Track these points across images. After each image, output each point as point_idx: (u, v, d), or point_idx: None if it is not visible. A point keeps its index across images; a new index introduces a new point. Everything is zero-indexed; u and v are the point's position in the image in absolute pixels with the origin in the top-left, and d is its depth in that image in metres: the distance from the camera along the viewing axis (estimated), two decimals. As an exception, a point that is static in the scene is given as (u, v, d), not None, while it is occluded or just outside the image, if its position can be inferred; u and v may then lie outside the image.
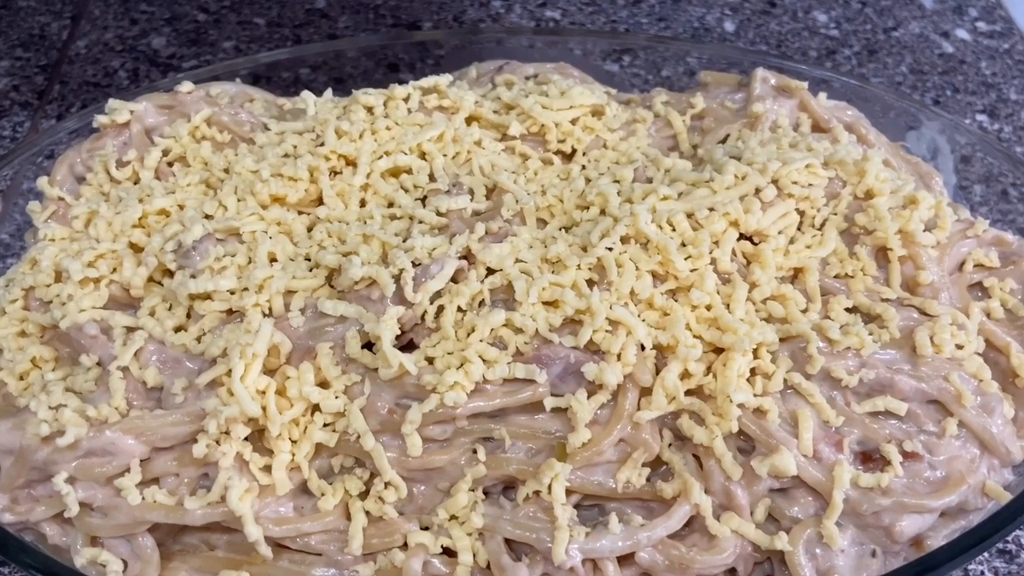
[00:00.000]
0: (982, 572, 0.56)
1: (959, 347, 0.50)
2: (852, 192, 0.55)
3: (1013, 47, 0.93)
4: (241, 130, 0.59)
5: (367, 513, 0.46)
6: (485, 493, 0.47)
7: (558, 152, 0.59)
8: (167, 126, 0.59)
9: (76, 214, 0.55)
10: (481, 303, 0.48)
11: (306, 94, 0.60)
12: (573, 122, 0.59)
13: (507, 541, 0.45)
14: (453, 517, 0.46)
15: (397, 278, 0.47)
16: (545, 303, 0.48)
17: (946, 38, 0.94)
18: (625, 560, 0.46)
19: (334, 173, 0.55)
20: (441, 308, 0.48)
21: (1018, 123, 0.85)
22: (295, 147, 0.56)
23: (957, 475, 0.47)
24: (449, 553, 0.46)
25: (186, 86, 0.61)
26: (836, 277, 0.53)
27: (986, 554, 0.57)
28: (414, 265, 0.48)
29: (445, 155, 0.56)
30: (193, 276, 0.49)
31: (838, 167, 0.56)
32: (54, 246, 0.52)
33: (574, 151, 0.59)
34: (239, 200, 0.53)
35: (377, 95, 0.59)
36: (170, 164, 0.58)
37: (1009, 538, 0.58)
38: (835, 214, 0.55)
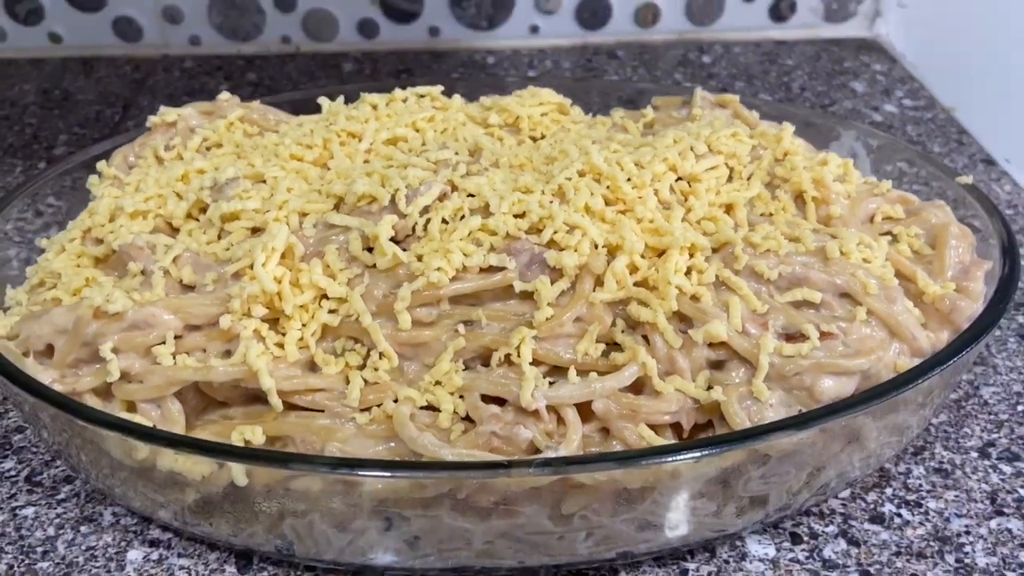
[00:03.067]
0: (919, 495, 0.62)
1: (866, 260, 0.60)
2: (772, 155, 0.66)
3: (935, 116, 1.08)
4: (268, 124, 0.71)
5: (364, 381, 0.54)
6: (465, 367, 0.55)
7: (530, 138, 0.71)
8: (207, 124, 0.72)
9: (128, 181, 0.66)
10: (462, 217, 0.58)
11: (321, 99, 0.73)
12: (543, 115, 0.72)
13: (483, 399, 0.53)
14: (437, 383, 0.54)
15: (393, 197, 0.58)
16: (514, 216, 0.58)
17: (876, 111, 1.09)
18: (584, 416, 0.53)
19: (342, 145, 0.67)
20: (429, 221, 0.58)
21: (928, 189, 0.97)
22: (312, 130, 0.68)
23: (868, 349, 0.55)
24: (434, 411, 0.53)
25: (224, 95, 0.74)
26: (761, 215, 0.64)
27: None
28: (407, 188, 0.59)
29: (435, 131, 0.68)
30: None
31: (760, 137, 0.67)
32: (110, 199, 0.63)
33: (543, 136, 0.71)
34: (265, 160, 0.65)
35: (380, 96, 0.72)
36: (208, 148, 0.70)
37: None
38: (759, 170, 0.66)
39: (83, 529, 0.59)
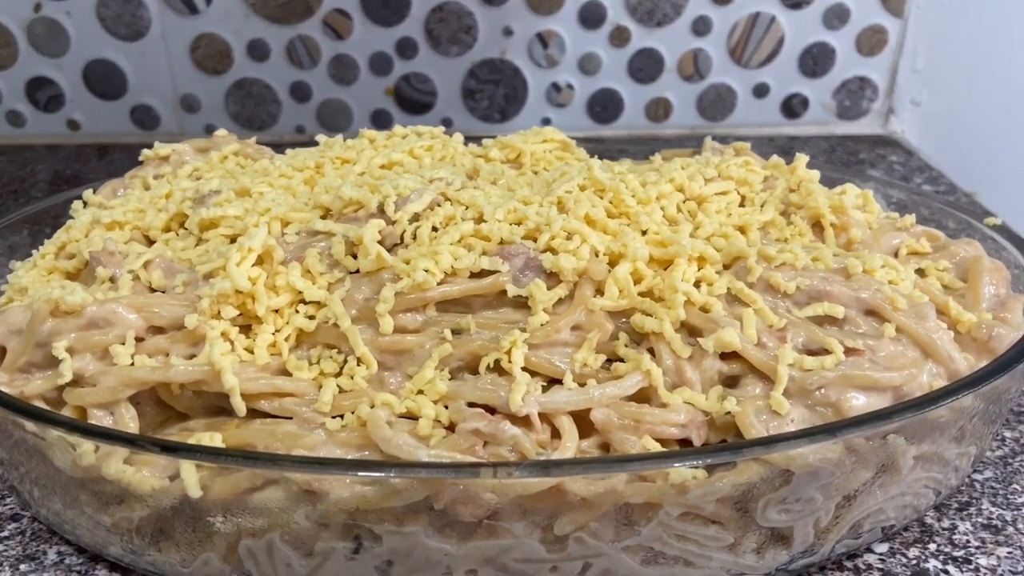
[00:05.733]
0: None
1: (892, 283, 0.55)
2: (786, 184, 0.63)
3: (957, 199, 1.04)
4: (263, 157, 0.69)
5: (339, 387, 0.49)
6: (451, 377, 0.50)
7: (532, 172, 0.68)
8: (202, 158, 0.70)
9: (112, 205, 0.63)
10: (455, 225, 0.55)
11: (319, 136, 0.71)
12: (547, 152, 0.69)
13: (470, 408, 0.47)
14: (419, 392, 0.48)
15: (382, 205, 0.55)
16: (510, 223, 0.54)
17: (890, 187, 1.06)
18: (583, 432, 0.47)
19: (335, 169, 0.64)
20: (419, 229, 0.54)
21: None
22: (304, 160, 0.66)
23: (900, 365, 0.50)
24: (414, 420, 0.48)
25: (221, 131, 0.72)
26: (776, 240, 0.59)
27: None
28: (397, 196, 0.55)
29: (433, 157, 0.65)
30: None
31: (773, 168, 0.64)
32: (88, 215, 0.61)
33: (546, 170, 0.68)
34: (253, 180, 0.62)
35: (380, 132, 0.70)
36: (198, 179, 0.67)
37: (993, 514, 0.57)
38: (773, 197, 0.62)
39: (23, 567, 0.53)
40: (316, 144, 0.72)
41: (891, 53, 1.21)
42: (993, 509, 0.58)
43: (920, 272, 0.61)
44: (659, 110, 1.24)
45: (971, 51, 1.19)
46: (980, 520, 0.57)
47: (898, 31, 1.19)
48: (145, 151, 0.70)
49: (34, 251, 0.68)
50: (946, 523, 0.56)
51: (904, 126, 1.26)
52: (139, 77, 1.18)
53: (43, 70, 1.18)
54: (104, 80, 1.18)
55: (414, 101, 1.21)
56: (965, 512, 0.57)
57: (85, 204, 0.66)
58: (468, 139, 0.74)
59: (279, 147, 1.19)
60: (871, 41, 1.20)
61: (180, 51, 1.17)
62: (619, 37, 1.19)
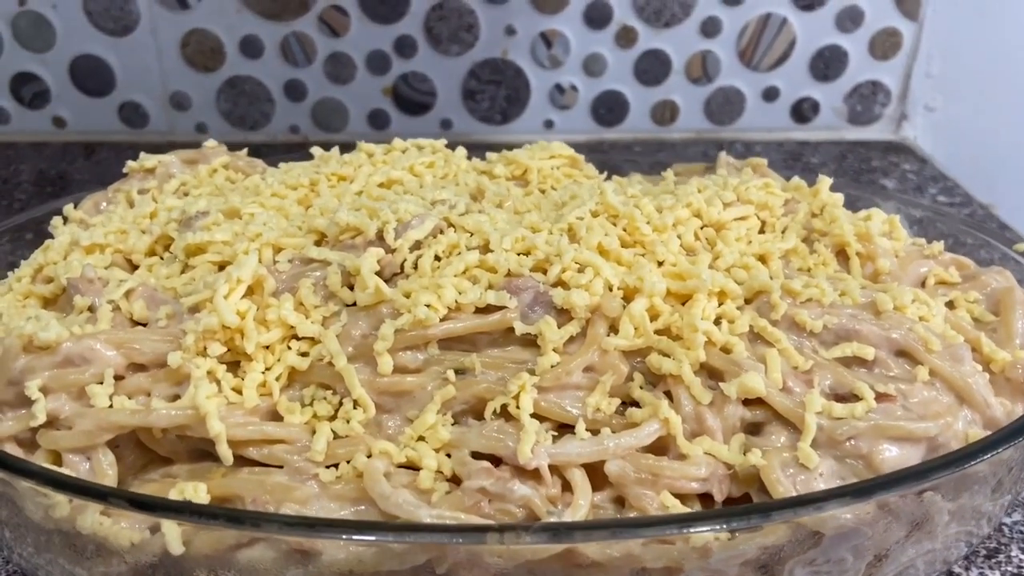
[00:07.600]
0: None
1: (923, 319, 0.51)
2: (809, 208, 0.59)
3: (973, 212, 1.01)
4: (254, 171, 0.66)
5: (334, 433, 0.45)
6: (455, 422, 0.46)
7: (539, 190, 0.65)
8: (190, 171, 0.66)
9: (94, 223, 0.60)
10: (459, 254, 0.51)
11: (315, 148, 0.68)
12: (554, 169, 0.66)
13: (474, 458, 0.44)
14: (420, 438, 0.45)
15: (380, 231, 0.51)
16: (518, 253, 0.51)
17: (912, 206, 1.02)
18: (596, 484, 0.44)
19: (331, 188, 0.61)
20: (420, 258, 0.51)
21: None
22: (298, 176, 0.62)
23: (934, 413, 0.46)
24: (414, 471, 0.44)
25: (211, 142, 0.69)
26: (799, 270, 0.56)
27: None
28: (397, 222, 0.52)
29: (434, 175, 0.62)
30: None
31: (794, 191, 0.61)
32: (67, 235, 0.57)
33: (554, 189, 0.65)
34: (244, 200, 0.58)
35: (378, 146, 0.66)
36: (186, 194, 0.64)
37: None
38: (795, 223, 0.58)
39: (-6, 615, 0.50)
40: (309, 146, 0.69)
41: (905, 57, 1.17)
42: (1023, 556, 0.55)
43: (949, 304, 0.57)
44: (665, 113, 1.20)
45: (987, 56, 1.16)
46: (1010, 569, 0.54)
47: (913, 34, 1.16)
48: (130, 163, 0.66)
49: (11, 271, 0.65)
50: (974, 572, 0.53)
51: (916, 132, 1.22)
52: (127, 74, 1.14)
53: (28, 65, 1.14)
54: (91, 76, 1.14)
55: (413, 101, 1.17)
56: (994, 560, 0.54)
57: (65, 220, 0.63)
58: (469, 146, 0.70)
59: (272, 148, 1.16)
60: (885, 44, 1.16)
61: (170, 47, 1.13)
62: (625, 37, 1.15)
